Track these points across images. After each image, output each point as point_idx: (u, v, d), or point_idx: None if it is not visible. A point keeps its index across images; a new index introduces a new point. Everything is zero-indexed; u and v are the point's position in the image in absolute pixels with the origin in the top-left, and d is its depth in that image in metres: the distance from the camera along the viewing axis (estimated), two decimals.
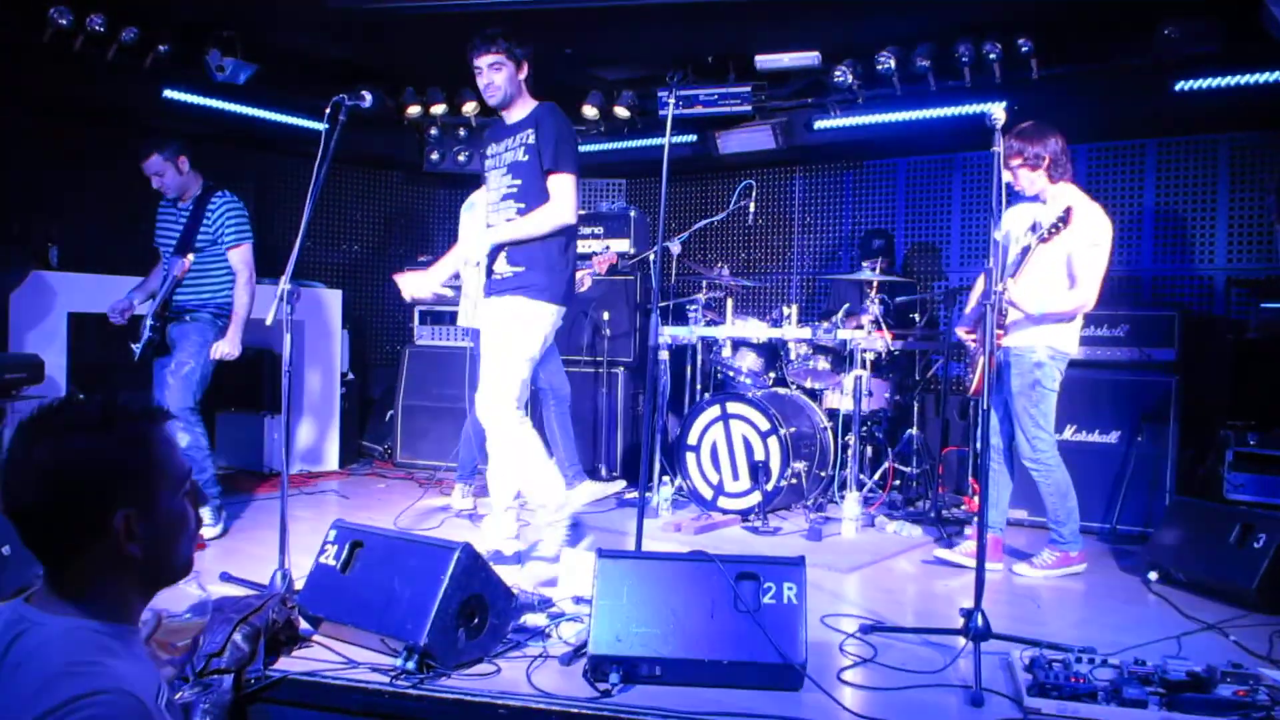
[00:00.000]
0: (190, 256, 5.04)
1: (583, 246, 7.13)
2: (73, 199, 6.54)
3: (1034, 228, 4.50)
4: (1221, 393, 5.85)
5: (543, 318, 4.33)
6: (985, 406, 3.81)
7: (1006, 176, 4.51)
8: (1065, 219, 4.21)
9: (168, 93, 6.41)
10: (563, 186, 4.26)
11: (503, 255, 4.37)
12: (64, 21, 5.59)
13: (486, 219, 4.55)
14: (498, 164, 4.49)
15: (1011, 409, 4.70)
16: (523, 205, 4.33)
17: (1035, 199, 4.69)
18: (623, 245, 6.93)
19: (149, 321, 5.11)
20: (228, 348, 5.09)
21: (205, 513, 5.04)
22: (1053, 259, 4.49)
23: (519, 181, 4.36)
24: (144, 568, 1.56)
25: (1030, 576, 4.67)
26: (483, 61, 4.35)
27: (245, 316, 5.18)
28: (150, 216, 5.35)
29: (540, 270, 4.30)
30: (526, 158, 4.32)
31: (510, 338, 4.30)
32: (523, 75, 4.40)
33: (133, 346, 5.20)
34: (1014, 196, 4.70)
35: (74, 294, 5.97)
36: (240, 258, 5.16)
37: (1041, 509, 5.71)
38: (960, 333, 5.03)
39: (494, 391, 4.27)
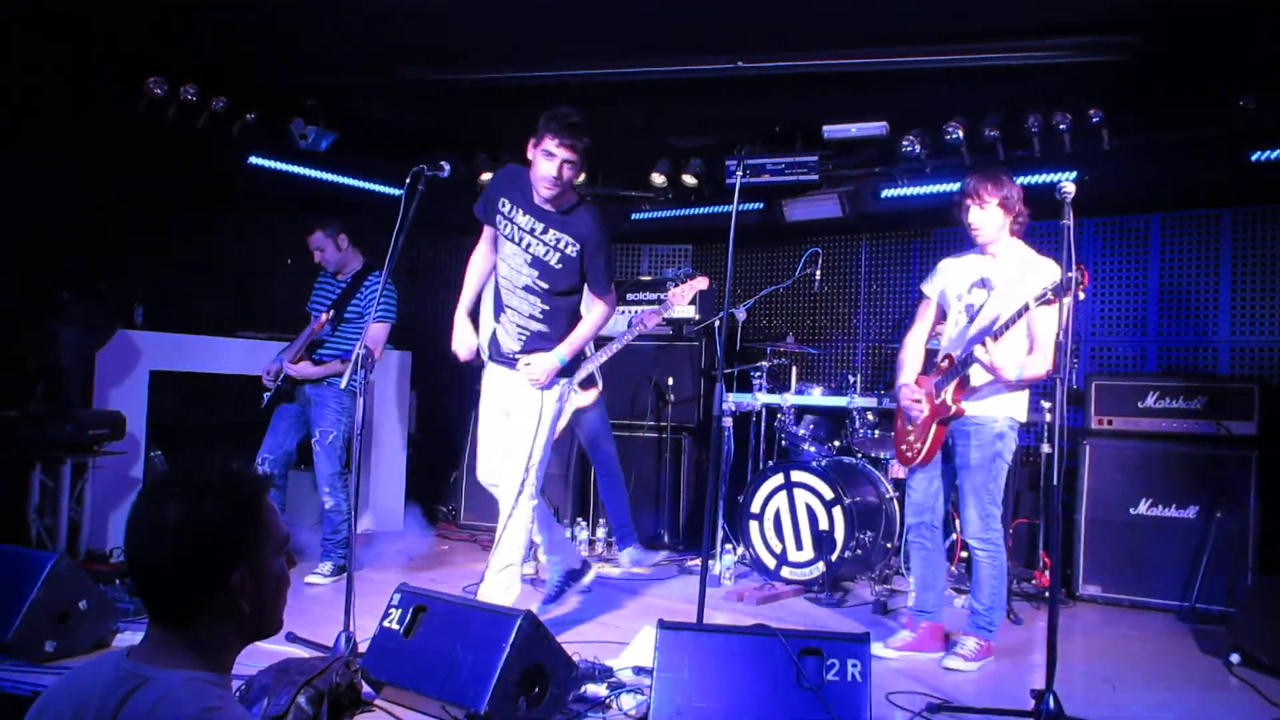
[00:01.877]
0: (329, 313, 5.52)
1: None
2: (159, 260, 6.78)
3: (983, 283, 4.29)
4: None
5: (570, 396, 4.65)
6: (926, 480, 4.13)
7: (974, 216, 4.23)
8: (1067, 284, 3.55)
9: (253, 159, 6.64)
10: (608, 300, 4.42)
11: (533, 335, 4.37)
12: (159, 91, 5.84)
13: (501, 291, 4.40)
14: (522, 249, 4.29)
15: (962, 484, 4.35)
16: (546, 308, 4.32)
17: (977, 249, 4.37)
18: (688, 312, 6.97)
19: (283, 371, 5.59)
20: (296, 367, 5.55)
21: (326, 566, 5.53)
22: (1008, 316, 4.11)
23: (545, 285, 4.30)
24: (249, 623, 1.67)
25: (965, 670, 4.25)
26: (560, 149, 4.10)
27: (338, 368, 5.50)
28: (235, 278, 5.63)
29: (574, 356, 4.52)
30: (560, 266, 4.26)
31: (548, 415, 4.37)
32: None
33: (264, 395, 5.69)
34: (963, 248, 4.49)
35: (156, 353, 6.17)
36: (377, 332, 5.47)
37: (1118, 582, 5.62)
38: (907, 397, 4.45)
39: (527, 462, 4.30)
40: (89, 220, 6.22)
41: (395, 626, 3.53)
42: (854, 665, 3.03)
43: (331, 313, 5.55)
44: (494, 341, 4.52)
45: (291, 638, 4.23)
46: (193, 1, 5.05)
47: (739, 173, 3.91)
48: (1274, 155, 5.55)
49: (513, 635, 3.14)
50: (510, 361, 4.41)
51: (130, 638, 4.09)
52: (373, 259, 5.77)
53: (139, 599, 1.69)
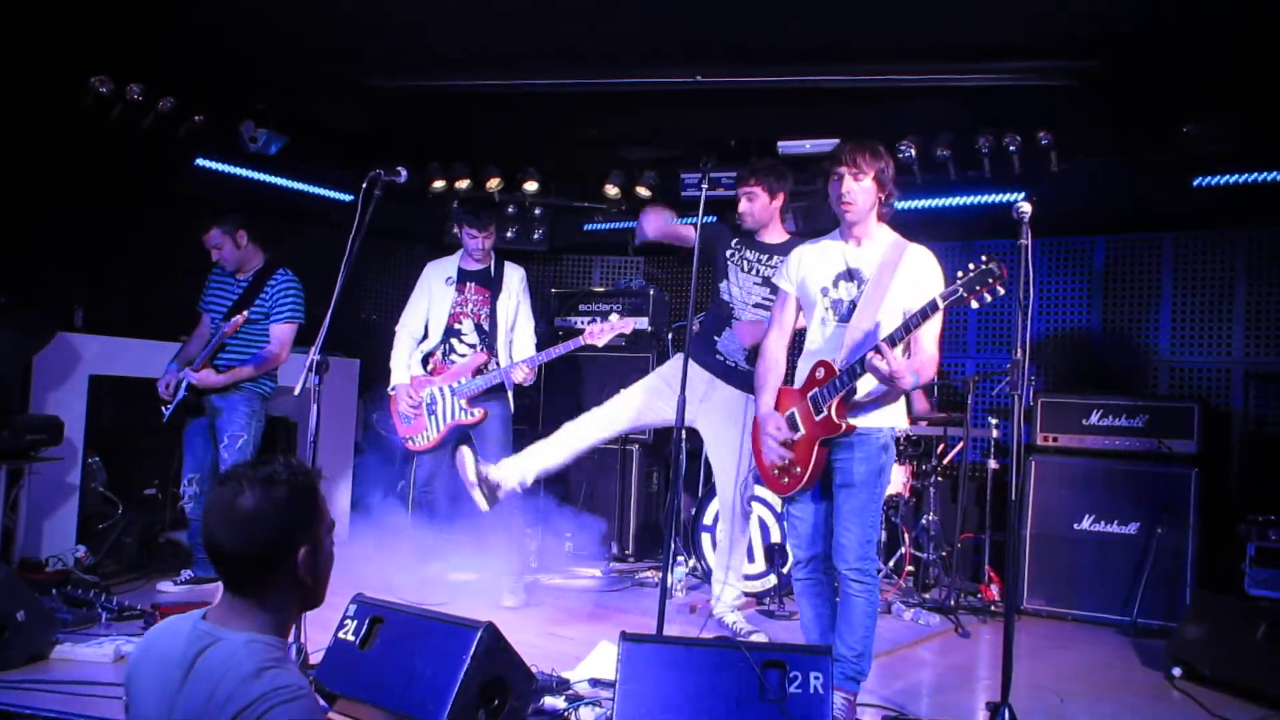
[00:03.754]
0: (244, 314, 5.19)
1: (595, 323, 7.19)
2: (101, 262, 6.62)
3: (850, 275, 3.72)
4: (1242, 486, 5.84)
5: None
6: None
7: (848, 187, 3.65)
8: (983, 278, 3.29)
9: (200, 161, 6.51)
10: None
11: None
12: (104, 90, 5.71)
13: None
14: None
15: (841, 505, 3.68)
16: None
17: (837, 235, 3.84)
18: (641, 322, 6.96)
19: (184, 382, 5.25)
20: (199, 375, 5.22)
21: None
22: (888, 314, 3.63)
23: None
24: (307, 595, 1.93)
25: None
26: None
27: (248, 374, 5.33)
28: (177, 282, 5.45)
29: None
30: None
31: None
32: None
33: (163, 409, 5.31)
34: (826, 244, 3.84)
35: (96, 356, 5.99)
36: (283, 334, 5.31)
37: (1062, 596, 5.72)
38: (772, 435, 3.77)
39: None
40: (28, 220, 6.04)
41: (351, 638, 3.46)
42: (816, 678, 3.04)
43: (243, 316, 5.19)
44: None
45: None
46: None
47: (703, 185, 3.90)
48: (1215, 181, 5.72)
49: (474, 647, 3.10)
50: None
51: (69, 650, 3.97)
52: (274, 256, 5.55)
53: (219, 571, 1.89)
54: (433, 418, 5.41)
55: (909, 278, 3.63)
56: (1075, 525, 5.75)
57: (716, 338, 4.95)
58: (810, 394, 3.67)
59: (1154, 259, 6.56)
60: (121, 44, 5.58)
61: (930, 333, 3.59)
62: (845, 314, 3.69)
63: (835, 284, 3.75)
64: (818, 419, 3.63)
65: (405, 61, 5.72)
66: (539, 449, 5.07)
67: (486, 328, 5.48)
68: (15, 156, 5.83)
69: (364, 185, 4.15)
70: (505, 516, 5.28)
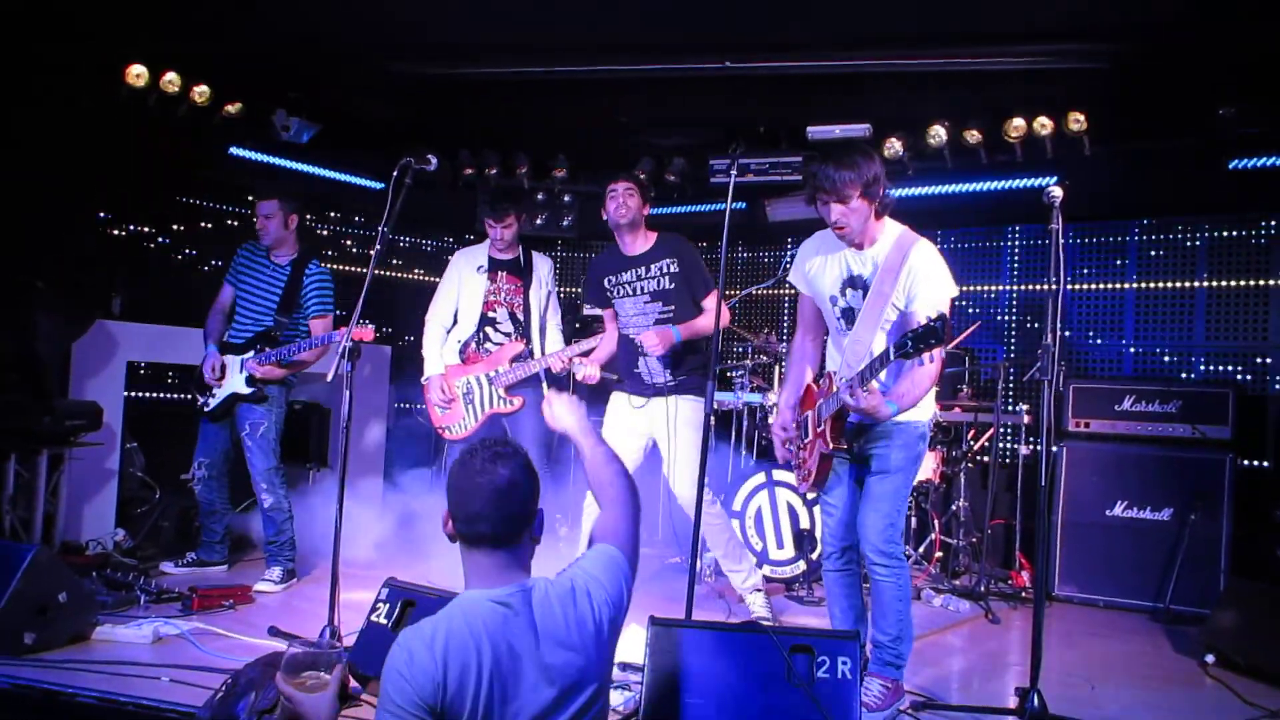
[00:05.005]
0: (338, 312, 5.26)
1: None
2: (138, 250, 6.72)
3: (854, 281, 3.66)
4: (1277, 472, 5.78)
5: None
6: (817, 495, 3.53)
7: (838, 215, 3.52)
8: (934, 332, 3.11)
9: (234, 150, 6.58)
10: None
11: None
12: (140, 81, 5.78)
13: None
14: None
15: (872, 488, 3.67)
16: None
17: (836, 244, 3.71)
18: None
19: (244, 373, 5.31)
20: (263, 369, 5.25)
21: (275, 572, 5.22)
22: (890, 323, 3.60)
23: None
24: (534, 544, 2.26)
25: None
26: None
27: (301, 368, 5.41)
28: (214, 269, 5.50)
29: None
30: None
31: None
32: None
33: (201, 397, 5.42)
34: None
35: (133, 343, 6.10)
36: (321, 327, 5.34)
37: (1094, 583, 5.69)
38: (779, 435, 3.93)
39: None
40: (68, 209, 6.14)
41: (383, 621, 3.51)
42: (844, 663, 3.04)
43: (334, 311, 5.33)
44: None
45: (274, 631, 4.20)
46: None
47: (732, 171, 3.88)
48: (1252, 164, 5.63)
49: None
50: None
51: (110, 631, 4.05)
52: (307, 246, 5.61)
53: (482, 537, 2.17)
54: (470, 407, 5.44)
55: (909, 286, 3.53)
56: (1108, 511, 5.71)
57: (637, 370, 4.93)
58: (817, 405, 3.71)
59: (1190, 242, 6.47)
60: (155, 35, 5.64)
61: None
62: (854, 321, 3.67)
63: (842, 292, 3.72)
64: (818, 430, 3.68)
65: (435, 49, 5.74)
66: None
67: (521, 317, 5.51)
68: (53, 148, 5.91)
69: (394, 173, 4.18)
70: None
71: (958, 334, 6.32)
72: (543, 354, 5.47)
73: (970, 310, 7.17)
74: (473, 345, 5.49)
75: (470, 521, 2.15)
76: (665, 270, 4.86)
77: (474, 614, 2.07)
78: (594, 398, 6.22)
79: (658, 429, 4.85)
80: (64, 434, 5.39)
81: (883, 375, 3.41)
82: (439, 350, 5.52)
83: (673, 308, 4.82)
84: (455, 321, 5.55)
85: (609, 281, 4.93)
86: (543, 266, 5.64)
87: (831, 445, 3.61)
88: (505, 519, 2.15)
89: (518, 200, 5.69)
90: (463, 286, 5.56)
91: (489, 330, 5.50)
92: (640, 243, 4.93)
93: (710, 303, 4.79)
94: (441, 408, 5.48)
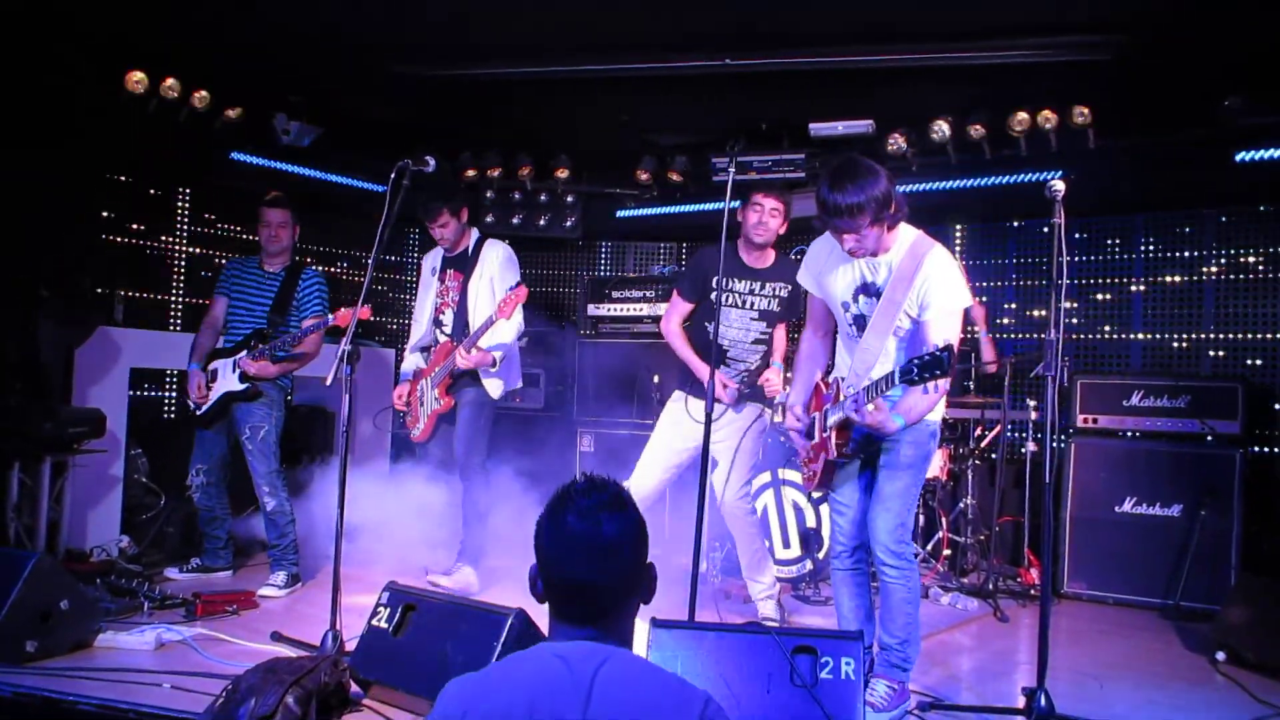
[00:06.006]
0: (364, 304, 5.03)
1: (634, 310, 7.18)
2: (139, 256, 6.72)
3: (866, 288, 3.59)
4: None
5: None
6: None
7: (852, 245, 3.45)
8: (940, 363, 3.06)
9: (235, 155, 6.58)
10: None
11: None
12: (140, 87, 5.77)
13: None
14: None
15: (881, 486, 3.63)
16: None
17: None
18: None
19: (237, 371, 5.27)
20: (256, 365, 5.20)
21: (280, 576, 5.22)
22: (900, 323, 3.55)
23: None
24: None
25: None
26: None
27: (297, 367, 5.40)
28: (216, 275, 5.51)
29: None
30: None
31: None
32: None
33: (193, 404, 5.35)
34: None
35: (137, 350, 6.10)
36: (312, 323, 5.31)
37: (1103, 579, 5.64)
38: (790, 425, 3.89)
39: None
40: (69, 216, 6.14)
41: (384, 625, 3.49)
42: (847, 664, 3.01)
43: (332, 314, 5.17)
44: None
45: (276, 636, 4.18)
46: None
47: (730, 169, 3.86)
48: (1258, 156, 5.58)
49: (504, 634, 3.12)
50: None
51: (112, 638, 4.04)
52: (300, 255, 5.65)
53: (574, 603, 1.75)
54: (423, 409, 5.44)
55: (924, 294, 3.46)
56: (1117, 508, 5.67)
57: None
58: (824, 409, 3.69)
59: (1197, 236, 6.42)
60: (154, 40, 5.63)
61: (948, 337, 3.39)
62: (866, 328, 3.61)
63: (855, 299, 3.66)
64: (823, 434, 3.64)
65: (436, 51, 5.72)
66: None
67: (461, 314, 5.38)
68: (54, 154, 5.91)
69: (392, 175, 4.16)
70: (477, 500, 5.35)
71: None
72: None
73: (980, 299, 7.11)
74: (432, 349, 5.49)
75: (563, 588, 1.75)
76: (776, 293, 4.80)
77: (524, 663, 1.70)
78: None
79: (720, 434, 4.77)
80: (67, 441, 5.38)
81: (893, 394, 3.36)
82: (411, 355, 5.58)
83: (770, 332, 4.85)
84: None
85: (718, 283, 4.45)
86: (490, 254, 5.36)
87: (836, 453, 3.57)
88: (604, 595, 1.74)
89: (449, 195, 5.33)
90: (424, 291, 5.57)
91: (438, 333, 5.48)
92: (763, 259, 4.81)
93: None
94: (403, 411, 5.52)
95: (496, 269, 5.31)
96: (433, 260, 5.56)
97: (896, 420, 3.39)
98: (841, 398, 3.54)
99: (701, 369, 4.67)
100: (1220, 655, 4.43)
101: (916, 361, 3.09)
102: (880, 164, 4.34)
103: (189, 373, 5.40)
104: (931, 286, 3.44)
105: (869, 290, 3.59)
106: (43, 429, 5.26)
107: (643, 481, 4.90)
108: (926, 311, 3.45)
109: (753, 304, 4.79)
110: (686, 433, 4.81)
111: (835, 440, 3.55)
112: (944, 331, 3.38)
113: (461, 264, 5.41)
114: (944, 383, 3.25)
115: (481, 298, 5.29)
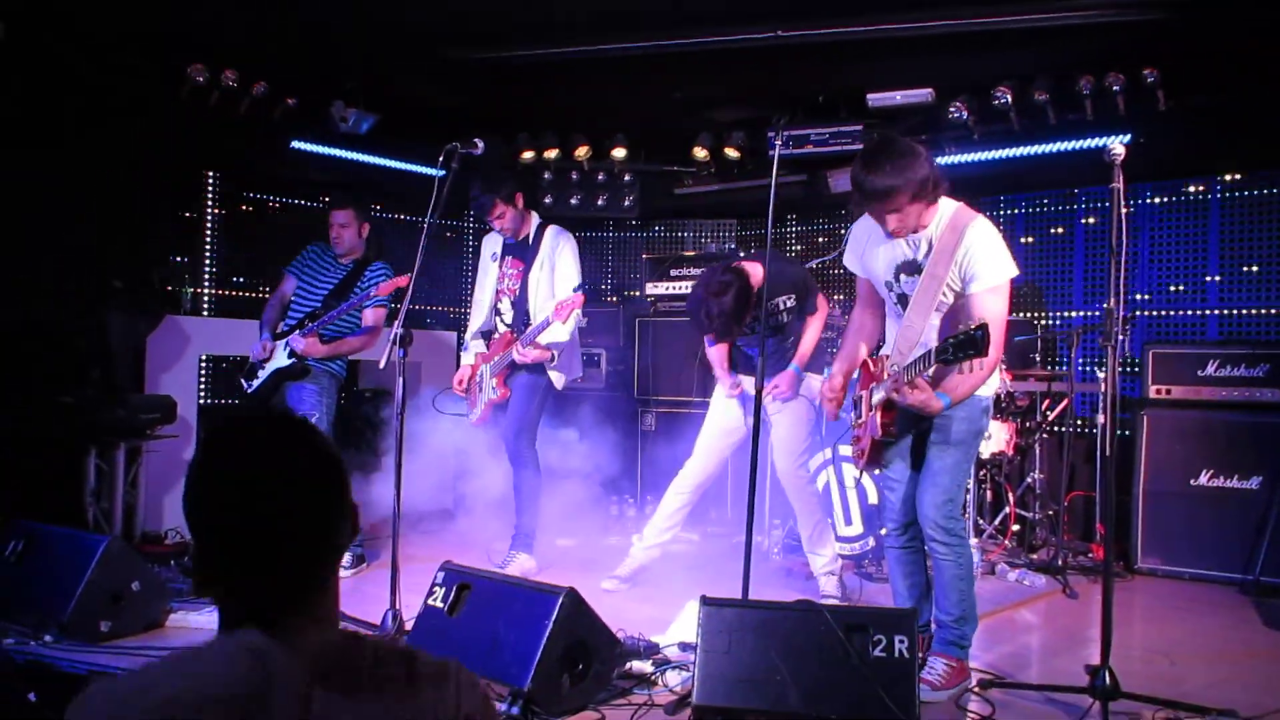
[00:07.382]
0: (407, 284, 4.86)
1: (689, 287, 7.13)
2: (205, 246, 6.86)
3: (910, 266, 3.55)
4: None
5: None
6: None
7: (895, 225, 3.42)
8: (974, 341, 3.02)
9: (295, 143, 6.67)
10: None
11: None
12: (200, 79, 5.88)
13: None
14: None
15: (933, 461, 3.57)
16: None
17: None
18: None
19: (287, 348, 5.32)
20: (305, 343, 5.22)
21: (346, 557, 5.23)
22: (943, 298, 3.49)
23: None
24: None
25: (937, 700, 3.43)
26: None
27: (346, 351, 5.40)
28: (284, 262, 5.60)
29: None
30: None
31: None
32: None
33: (243, 382, 5.45)
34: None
35: (206, 337, 6.25)
36: (373, 318, 5.38)
37: (1179, 555, 5.49)
38: (824, 396, 3.88)
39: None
40: (136, 209, 6.29)
41: (439, 605, 3.54)
42: (901, 641, 2.97)
43: (390, 307, 5.30)
44: None
45: (340, 616, 4.25)
46: None
47: (778, 143, 3.80)
48: None
49: (555, 612, 3.13)
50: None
51: (183, 618, 4.16)
52: (375, 250, 5.70)
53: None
54: (480, 395, 5.47)
55: (966, 267, 3.39)
56: (1192, 481, 5.51)
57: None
58: (870, 386, 3.66)
59: (1275, 198, 6.17)
60: (211, 33, 5.73)
61: (994, 319, 3.29)
62: (906, 306, 3.56)
63: (896, 277, 3.61)
64: (870, 413, 3.62)
65: (488, 33, 5.72)
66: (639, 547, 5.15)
67: (522, 303, 5.39)
68: (122, 150, 6.05)
69: (441, 158, 4.18)
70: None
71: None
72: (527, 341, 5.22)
73: (1041, 275, 6.95)
74: (494, 335, 5.50)
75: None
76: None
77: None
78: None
79: (767, 407, 4.76)
80: (139, 427, 5.54)
81: (930, 372, 3.29)
82: (472, 342, 5.59)
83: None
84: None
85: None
86: (553, 245, 5.36)
87: (882, 433, 3.53)
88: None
89: (496, 186, 5.23)
90: (484, 276, 5.57)
91: (498, 321, 5.50)
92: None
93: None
94: (462, 396, 5.55)
95: (559, 262, 5.32)
96: (492, 245, 5.56)
97: (942, 399, 3.32)
98: (885, 376, 3.49)
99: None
100: None
101: (952, 341, 3.04)
102: (941, 133, 4.24)
103: (260, 339, 5.43)
104: (974, 259, 3.38)
105: (910, 268, 3.55)
106: (116, 416, 5.42)
107: (699, 465, 4.99)
108: (973, 284, 3.39)
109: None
110: (734, 412, 4.91)
111: (880, 419, 3.51)
112: (989, 305, 3.33)
113: (522, 252, 5.40)
114: (986, 360, 3.12)
115: (541, 289, 5.30)
